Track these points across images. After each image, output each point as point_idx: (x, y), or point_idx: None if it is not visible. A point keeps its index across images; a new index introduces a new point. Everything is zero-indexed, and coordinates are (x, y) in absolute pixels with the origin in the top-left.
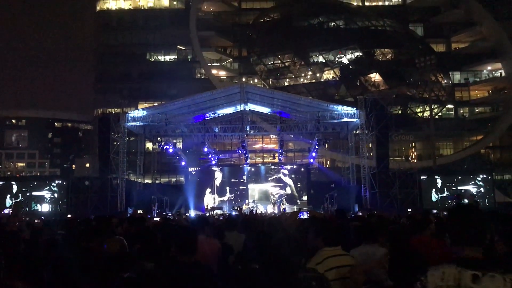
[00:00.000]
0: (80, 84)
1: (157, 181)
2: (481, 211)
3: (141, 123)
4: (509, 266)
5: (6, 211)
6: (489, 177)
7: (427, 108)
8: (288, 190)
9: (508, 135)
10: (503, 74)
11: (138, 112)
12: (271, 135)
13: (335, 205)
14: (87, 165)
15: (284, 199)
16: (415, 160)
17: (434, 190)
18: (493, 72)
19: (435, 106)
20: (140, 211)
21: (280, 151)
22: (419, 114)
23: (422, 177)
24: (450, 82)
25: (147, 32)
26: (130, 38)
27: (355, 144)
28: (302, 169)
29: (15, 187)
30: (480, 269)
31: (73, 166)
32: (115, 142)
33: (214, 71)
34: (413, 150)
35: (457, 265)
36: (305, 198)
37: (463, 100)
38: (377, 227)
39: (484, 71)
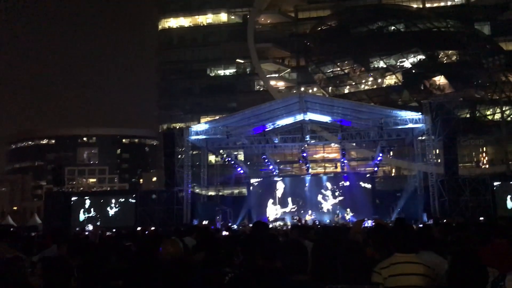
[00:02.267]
0: (145, 101)
1: (220, 193)
2: None
3: (204, 137)
4: None
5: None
6: None
7: (498, 110)
8: (352, 200)
9: None
10: None
11: (200, 126)
12: (332, 144)
13: (402, 214)
14: (154, 179)
15: (349, 209)
16: (487, 166)
17: (510, 196)
18: None
19: (507, 107)
20: (205, 222)
21: (342, 160)
22: (489, 117)
23: (495, 183)
24: None
25: (207, 48)
26: (191, 54)
27: (421, 151)
28: (366, 178)
29: (87, 202)
30: None
31: (141, 180)
32: (179, 156)
33: (272, 83)
34: (484, 155)
35: None
36: (370, 207)
37: None
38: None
39: None
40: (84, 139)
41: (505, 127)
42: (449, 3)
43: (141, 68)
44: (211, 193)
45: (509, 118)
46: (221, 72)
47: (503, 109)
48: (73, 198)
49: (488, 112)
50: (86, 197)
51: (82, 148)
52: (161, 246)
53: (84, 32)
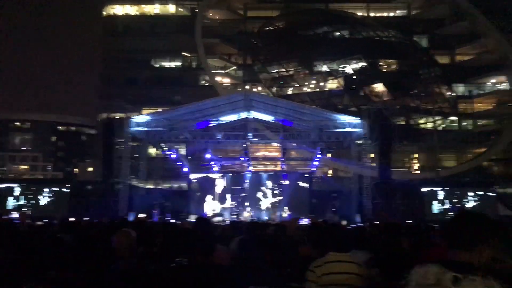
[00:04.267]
0: (85, 88)
1: (159, 187)
2: (486, 218)
3: (145, 129)
4: (490, 271)
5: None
6: (492, 190)
7: (430, 120)
8: (290, 198)
9: (511, 149)
10: (507, 87)
11: (142, 118)
12: (274, 143)
13: (337, 214)
14: (90, 169)
15: (286, 208)
16: (418, 172)
17: (435, 202)
18: (497, 85)
19: (439, 118)
20: (141, 216)
21: (282, 159)
22: (423, 126)
23: (424, 189)
24: (454, 94)
25: (153, 39)
26: (136, 44)
27: (358, 154)
28: (304, 178)
29: (17, 190)
30: (463, 272)
31: (76, 170)
32: (118, 147)
33: (218, 78)
34: (415, 162)
35: (441, 265)
36: (307, 206)
37: (466, 112)
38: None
39: (488, 83)
40: (17, 123)
41: (436, 136)
42: (391, 14)
43: (84, 55)
44: (150, 186)
45: (440, 128)
46: (167, 64)
47: (435, 118)
48: (1, 185)
49: (422, 121)
50: (16, 185)
51: (15, 133)
52: (113, 237)
53: (25, 13)
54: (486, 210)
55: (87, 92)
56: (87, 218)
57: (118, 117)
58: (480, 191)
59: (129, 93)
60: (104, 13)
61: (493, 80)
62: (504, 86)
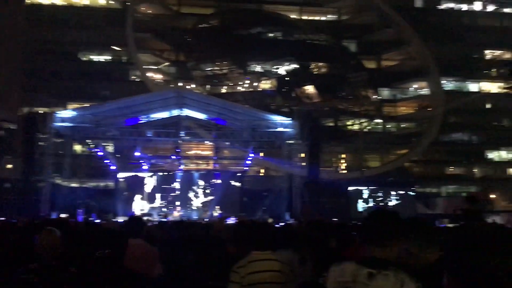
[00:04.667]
0: (5, 81)
1: (84, 185)
2: (397, 216)
3: (70, 124)
4: (404, 265)
5: None
6: (412, 190)
7: (357, 122)
8: (222, 197)
9: (430, 151)
10: (428, 92)
11: (67, 113)
12: (207, 142)
13: (267, 213)
14: (9, 166)
15: (217, 207)
16: (345, 171)
17: (360, 200)
18: (419, 90)
19: (364, 120)
20: (64, 215)
21: (215, 158)
22: (349, 127)
23: (350, 188)
24: (379, 97)
25: (81, 30)
26: (63, 35)
27: (289, 154)
28: (236, 177)
29: None
30: (376, 267)
31: None
32: (41, 143)
33: (149, 74)
34: (343, 162)
35: (356, 262)
36: (238, 205)
37: (390, 116)
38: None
39: (411, 89)
40: None
41: (362, 138)
42: (323, 18)
43: (4, 44)
44: (74, 184)
45: (366, 130)
46: (95, 58)
47: (362, 121)
48: None
49: (349, 123)
50: None
51: None
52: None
53: None
54: (406, 209)
55: (7, 85)
56: (3, 218)
57: (42, 112)
58: (401, 190)
59: (54, 86)
60: (27, 0)
61: (415, 86)
62: (425, 91)
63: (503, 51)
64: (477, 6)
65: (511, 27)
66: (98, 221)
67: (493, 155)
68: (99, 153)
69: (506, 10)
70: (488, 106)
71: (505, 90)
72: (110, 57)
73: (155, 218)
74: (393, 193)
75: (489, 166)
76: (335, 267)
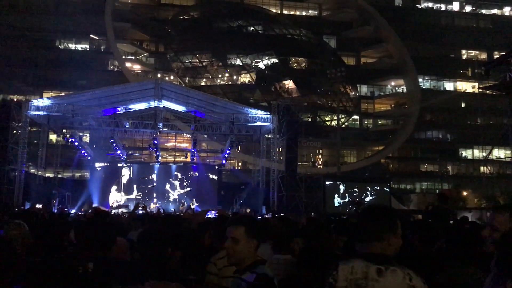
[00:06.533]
0: None
1: (59, 175)
2: (389, 210)
3: (46, 113)
4: (407, 261)
5: None
6: (387, 186)
7: (335, 118)
8: (199, 190)
9: (405, 147)
10: (405, 90)
11: (42, 101)
12: (185, 134)
13: (244, 206)
14: None
15: (194, 199)
16: (321, 166)
17: (336, 195)
18: (396, 88)
19: (342, 116)
20: (38, 206)
21: (193, 150)
22: (327, 123)
23: (326, 183)
24: (357, 94)
25: (59, 18)
26: (39, 22)
27: (267, 148)
28: (214, 170)
29: None
30: (384, 264)
31: None
32: (15, 132)
33: (128, 64)
34: (319, 157)
35: (364, 259)
36: (215, 198)
37: (368, 112)
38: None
39: (388, 86)
40: None
41: (339, 133)
42: (304, 13)
43: None
44: (49, 174)
45: (343, 125)
46: (72, 46)
47: (339, 116)
48: None
49: (327, 118)
50: None
51: None
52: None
53: None
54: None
55: None
56: None
57: (16, 99)
58: (377, 186)
59: (30, 74)
60: None
61: (393, 83)
62: (402, 89)
63: (478, 51)
64: (456, 7)
65: (487, 28)
66: (73, 211)
67: (466, 153)
68: (75, 143)
69: (483, 11)
70: (463, 105)
71: (480, 90)
72: (88, 46)
73: (131, 209)
74: (368, 188)
75: (463, 164)
76: (344, 265)
